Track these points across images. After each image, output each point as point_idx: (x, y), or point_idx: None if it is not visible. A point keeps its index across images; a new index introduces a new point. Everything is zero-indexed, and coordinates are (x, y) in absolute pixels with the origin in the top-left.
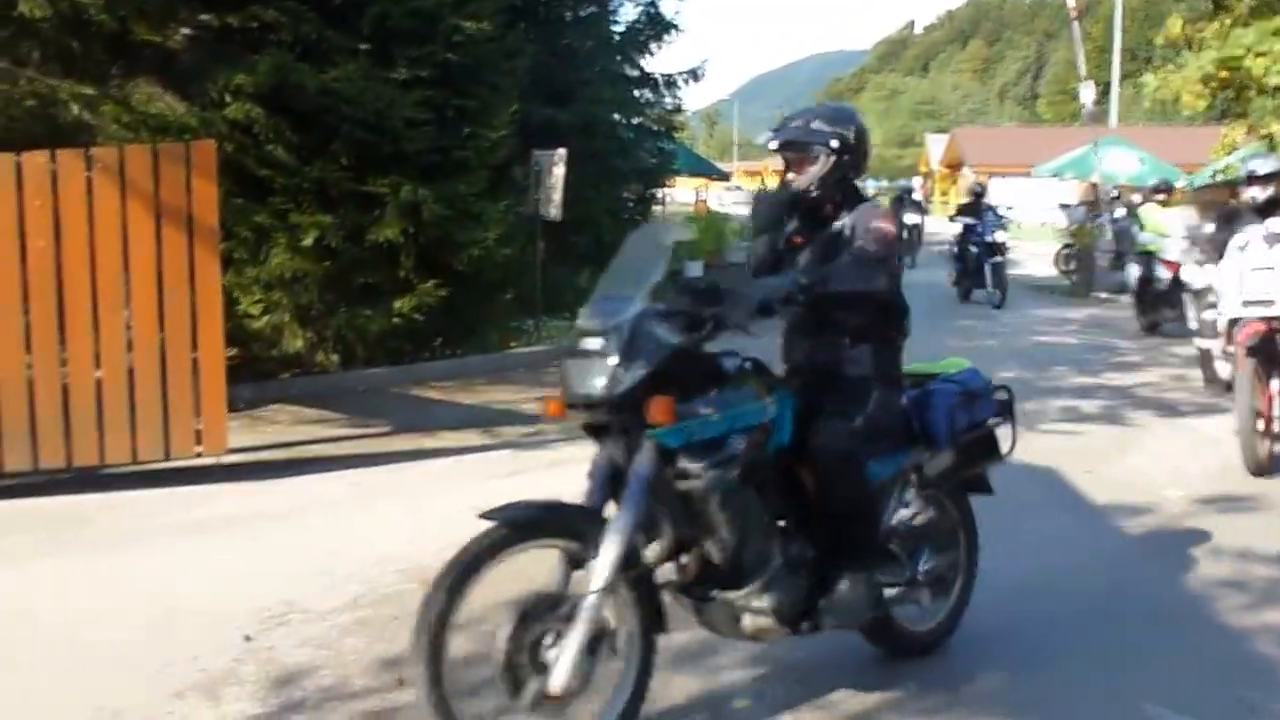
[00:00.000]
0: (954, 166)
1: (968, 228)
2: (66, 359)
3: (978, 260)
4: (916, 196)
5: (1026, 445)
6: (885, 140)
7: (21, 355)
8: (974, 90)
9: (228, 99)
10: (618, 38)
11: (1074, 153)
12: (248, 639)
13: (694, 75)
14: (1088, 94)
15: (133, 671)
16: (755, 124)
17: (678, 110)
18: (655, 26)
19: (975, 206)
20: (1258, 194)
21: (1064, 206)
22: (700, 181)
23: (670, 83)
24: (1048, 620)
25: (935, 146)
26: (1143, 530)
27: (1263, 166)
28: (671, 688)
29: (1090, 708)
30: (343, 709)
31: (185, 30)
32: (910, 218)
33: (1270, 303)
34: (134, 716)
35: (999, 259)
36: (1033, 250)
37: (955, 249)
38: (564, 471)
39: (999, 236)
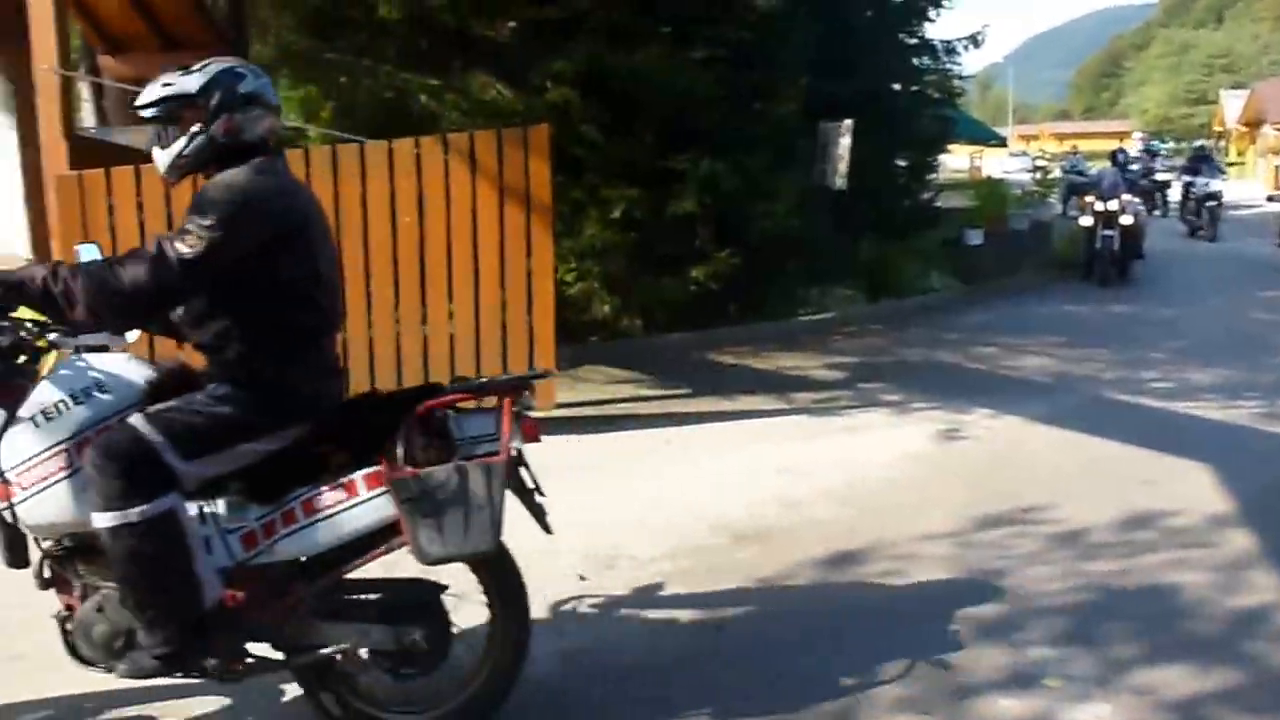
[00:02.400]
0: (1253, 125)
1: None
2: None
3: None
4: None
5: None
6: (1173, 99)
7: (391, 316)
8: (1276, 41)
9: (548, 85)
10: (897, 5)
11: None
12: (582, 579)
13: (974, 41)
14: None
15: None
16: (1031, 87)
17: (957, 77)
18: None
19: None
20: None
21: None
22: (975, 148)
23: (950, 49)
24: None
25: (1232, 103)
26: None
27: None
28: (980, 661)
29: None
30: (669, 648)
31: (512, 24)
32: (1206, 183)
33: None
34: None
35: None
36: None
37: None
38: (858, 438)
39: None
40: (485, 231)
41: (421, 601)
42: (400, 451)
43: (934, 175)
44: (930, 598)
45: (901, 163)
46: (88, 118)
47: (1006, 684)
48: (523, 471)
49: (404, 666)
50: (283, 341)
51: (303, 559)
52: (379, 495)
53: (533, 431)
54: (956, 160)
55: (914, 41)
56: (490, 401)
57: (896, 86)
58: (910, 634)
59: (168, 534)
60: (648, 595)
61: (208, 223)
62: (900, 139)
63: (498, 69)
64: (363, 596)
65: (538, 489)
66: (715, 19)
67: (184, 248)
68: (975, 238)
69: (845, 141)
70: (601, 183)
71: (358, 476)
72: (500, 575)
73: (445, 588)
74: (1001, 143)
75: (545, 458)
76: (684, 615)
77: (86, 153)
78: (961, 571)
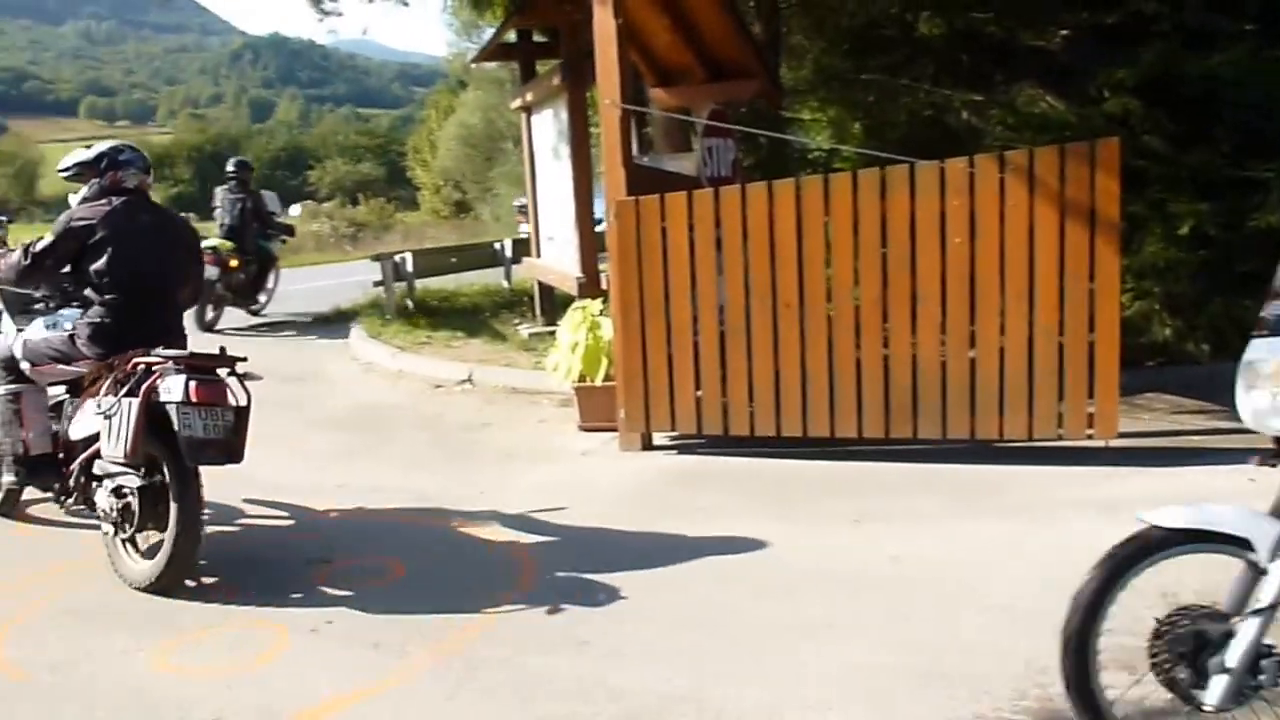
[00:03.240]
0: None
1: None
2: (975, 342)
3: None
4: None
5: None
6: None
7: (938, 338)
8: None
9: (1105, 94)
10: None
11: None
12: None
13: None
14: None
15: (1055, 636)
16: None
17: None
18: None
19: None
20: None
21: None
22: None
23: None
24: None
25: None
26: None
27: None
28: None
29: None
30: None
31: (1063, 32)
32: None
33: None
34: (1058, 675)
35: None
36: None
37: None
38: None
39: None
40: (1043, 251)
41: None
42: (106, 385)
43: None
44: None
45: None
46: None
47: None
48: (173, 413)
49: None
50: (89, 305)
51: (76, 437)
52: (95, 412)
53: (201, 394)
54: None
55: None
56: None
57: None
58: None
59: (13, 405)
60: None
61: (52, 232)
62: None
63: (1046, 80)
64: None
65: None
66: None
67: (35, 247)
68: None
69: None
70: (1167, 196)
71: (94, 399)
72: (176, 472)
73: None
74: None
75: (1108, 490)
76: None
77: (638, 179)
78: None
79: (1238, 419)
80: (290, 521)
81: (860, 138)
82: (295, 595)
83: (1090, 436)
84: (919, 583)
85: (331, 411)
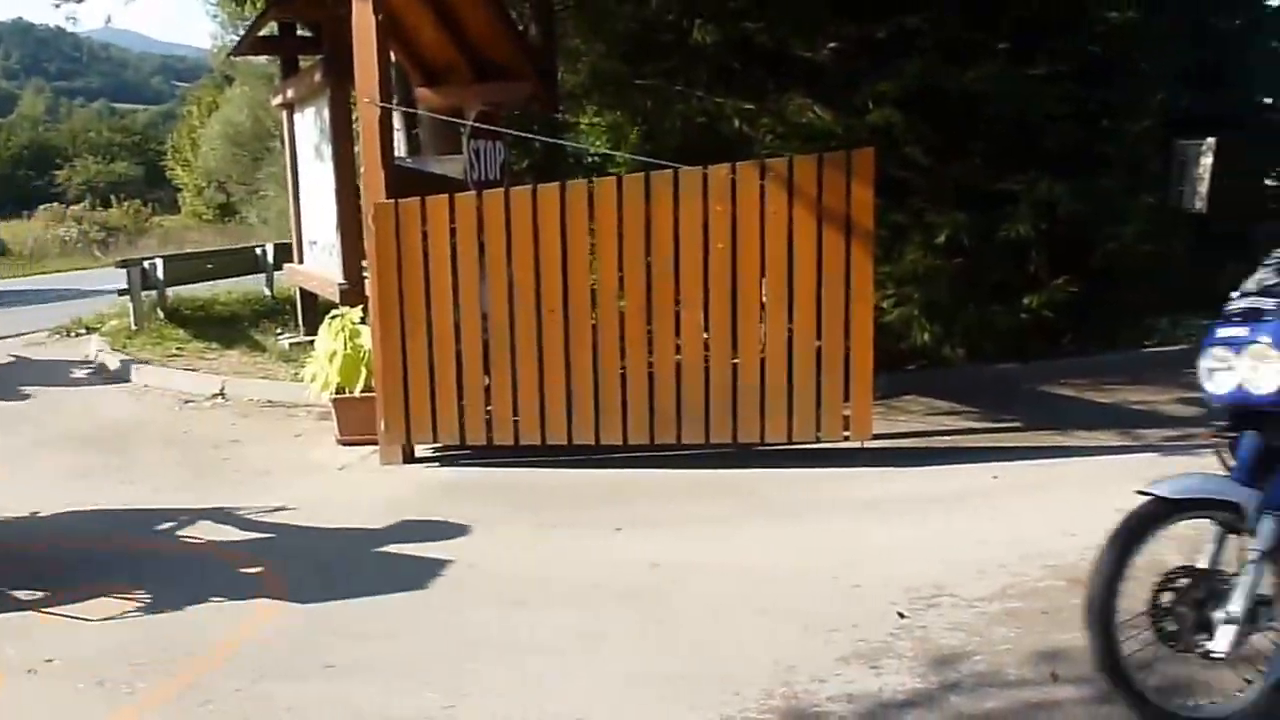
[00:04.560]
0: None
1: None
2: (737, 347)
3: None
4: None
5: None
6: None
7: (701, 344)
8: None
9: (869, 106)
10: (1271, 12)
11: None
12: (901, 615)
13: None
14: None
15: (804, 633)
16: None
17: None
18: None
19: None
20: None
21: None
22: None
23: None
24: None
25: None
26: None
27: None
28: None
29: None
30: (1000, 695)
31: (832, 44)
32: None
33: None
34: (805, 673)
35: None
36: None
37: None
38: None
39: None
40: (801, 257)
41: None
42: None
43: None
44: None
45: (1272, 183)
46: (399, 147)
47: None
48: None
49: None
50: None
51: None
52: None
53: None
54: None
55: None
56: None
57: (1268, 100)
58: None
59: None
60: (973, 636)
61: None
62: (1271, 158)
63: (815, 91)
64: None
65: None
66: (1062, 31)
67: None
68: None
69: (1207, 161)
70: (926, 206)
71: None
72: None
73: None
74: None
75: (863, 490)
76: (1012, 660)
77: (403, 181)
78: None
79: (988, 419)
80: (5, 550)
81: (636, 144)
82: (11, 633)
83: (847, 438)
84: (678, 588)
85: (65, 430)
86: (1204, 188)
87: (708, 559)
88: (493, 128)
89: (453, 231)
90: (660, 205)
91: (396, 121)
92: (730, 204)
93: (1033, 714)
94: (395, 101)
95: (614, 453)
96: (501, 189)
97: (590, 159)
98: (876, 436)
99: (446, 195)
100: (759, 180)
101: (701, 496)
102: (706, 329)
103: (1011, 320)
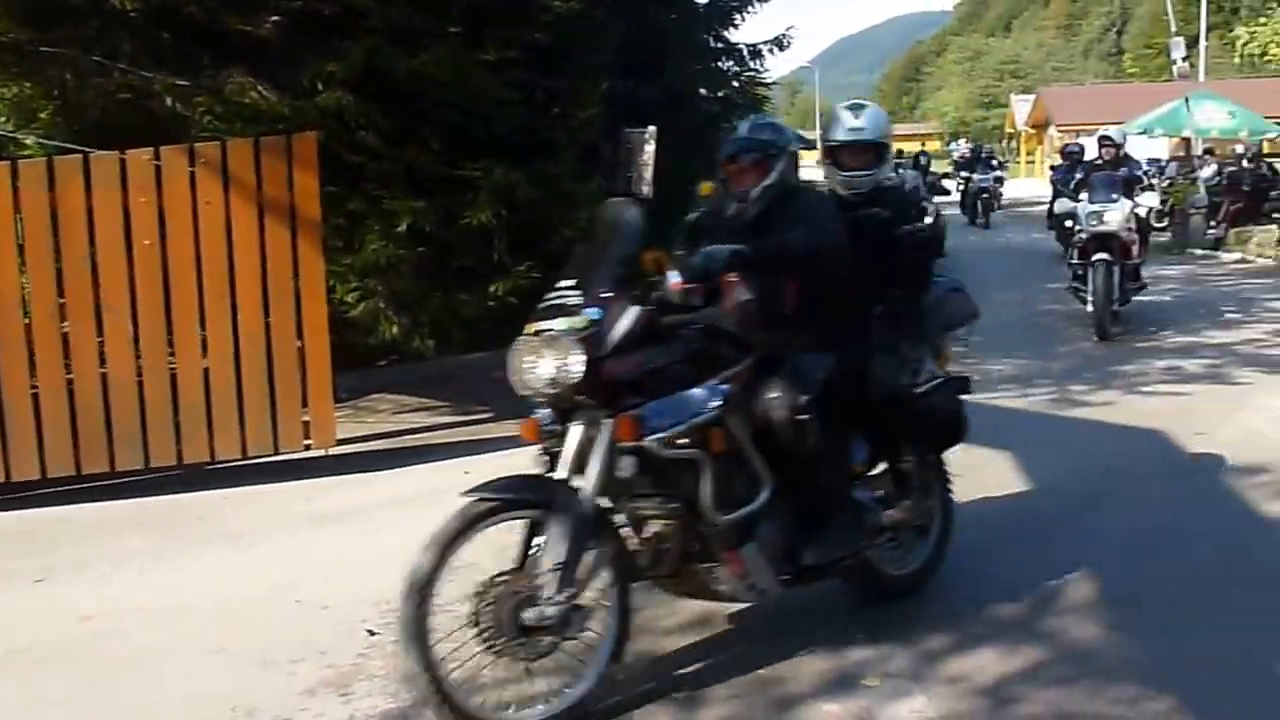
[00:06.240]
0: (1040, 126)
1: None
2: (174, 356)
3: None
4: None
5: (1133, 408)
6: (969, 102)
7: (131, 353)
8: (1058, 48)
9: (319, 87)
10: (702, 9)
11: (1164, 108)
12: (371, 633)
13: (779, 44)
14: (1178, 52)
15: (264, 669)
16: (838, 91)
17: (763, 83)
18: None
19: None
20: None
21: (1153, 162)
22: None
23: (755, 53)
24: (1158, 583)
25: (1021, 107)
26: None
27: None
28: (801, 668)
29: (1210, 675)
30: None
31: (274, 18)
32: (983, 178)
33: None
34: (268, 715)
35: None
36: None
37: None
38: None
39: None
40: (242, 252)
41: None
42: None
43: None
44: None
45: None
46: None
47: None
48: None
49: None
50: None
51: None
52: None
53: None
54: None
55: (719, 45)
56: None
57: (703, 91)
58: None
59: None
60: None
61: None
62: (706, 145)
63: (258, 69)
64: None
65: None
66: (511, 20)
67: None
68: None
69: (650, 148)
70: (385, 193)
71: None
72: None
73: None
74: (810, 147)
75: (329, 502)
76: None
77: None
78: None
79: (459, 413)
80: None
81: (49, 123)
82: None
83: (309, 446)
84: (117, 639)
85: None
86: (649, 174)
87: (153, 601)
88: None
89: None
90: (69, 195)
91: None
92: (156, 194)
93: None
94: None
95: (33, 487)
96: None
97: None
98: (343, 441)
99: None
100: (188, 167)
101: (144, 529)
102: (137, 337)
103: (479, 309)
